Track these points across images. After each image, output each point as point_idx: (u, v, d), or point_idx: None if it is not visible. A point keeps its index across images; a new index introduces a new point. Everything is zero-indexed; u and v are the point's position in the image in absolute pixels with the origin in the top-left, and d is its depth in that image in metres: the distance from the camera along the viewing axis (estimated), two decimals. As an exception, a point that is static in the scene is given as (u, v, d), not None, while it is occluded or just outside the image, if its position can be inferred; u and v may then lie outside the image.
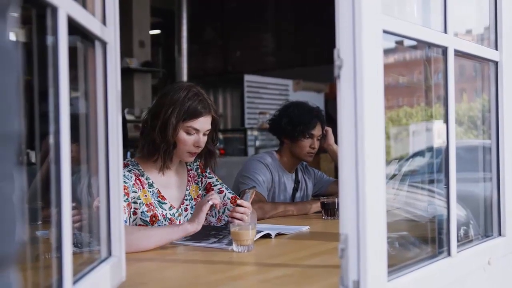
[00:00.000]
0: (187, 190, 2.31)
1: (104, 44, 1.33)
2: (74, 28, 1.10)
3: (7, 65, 0.58)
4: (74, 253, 1.07)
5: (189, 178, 2.34)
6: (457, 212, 1.54)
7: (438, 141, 1.90)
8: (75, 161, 1.16)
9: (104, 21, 1.33)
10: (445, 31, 1.50)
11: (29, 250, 1.25)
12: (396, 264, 1.32)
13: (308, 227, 2.33)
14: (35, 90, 1.06)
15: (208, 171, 2.39)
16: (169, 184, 2.26)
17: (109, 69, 1.35)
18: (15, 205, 0.58)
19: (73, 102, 1.10)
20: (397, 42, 1.48)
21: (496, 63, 1.79)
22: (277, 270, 1.60)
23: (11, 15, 0.60)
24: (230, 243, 1.89)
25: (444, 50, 1.50)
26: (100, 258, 1.33)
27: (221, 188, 2.35)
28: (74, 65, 1.21)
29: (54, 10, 0.98)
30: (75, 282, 1.09)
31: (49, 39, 1.00)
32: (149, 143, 2.16)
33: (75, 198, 1.12)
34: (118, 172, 1.38)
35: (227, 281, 1.49)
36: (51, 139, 0.99)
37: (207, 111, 2.17)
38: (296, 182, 3.10)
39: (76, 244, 1.29)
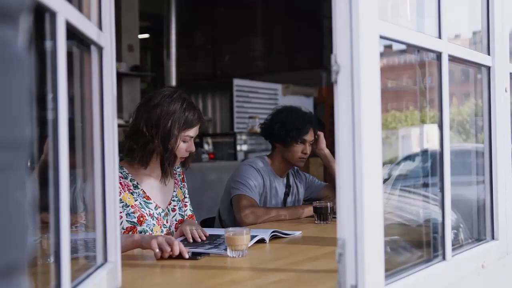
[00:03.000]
0: (174, 191, 2.37)
1: (100, 49, 1.32)
2: (71, 32, 1.09)
3: (19, 73, 0.58)
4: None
5: (176, 181, 2.40)
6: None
7: (428, 145, 1.91)
8: (70, 167, 1.16)
9: (100, 26, 1.33)
10: (439, 37, 1.51)
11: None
12: (392, 268, 1.33)
13: (300, 232, 2.33)
14: (32, 95, 1.05)
15: (185, 181, 2.48)
16: (155, 186, 2.30)
17: (105, 73, 1.34)
18: (26, 212, 0.57)
19: (68, 106, 1.09)
20: (386, 46, 1.48)
21: (488, 68, 1.80)
22: (273, 275, 1.60)
23: (22, 22, 0.60)
24: (222, 249, 1.88)
25: (439, 55, 1.51)
26: (96, 264, 1.32)
27: (187, 202, 2.45)
28: (70, 70, 1.21)
29: (53, 15, 0.98)
30: (72, 288, 1.08)
31: (47, 44, 1.00)
32: (148, 153, 2.20)
33: (70, 203, 1.11)
34: (114, 177, 1.37)
35: (224, 287, 1.49)
36: (50, 145, 0.98)
37: (201, 119, 2.28)
38: (288, 186, 3.10)
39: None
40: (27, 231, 0.58)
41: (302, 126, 2.93)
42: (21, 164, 0.57)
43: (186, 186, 2.47)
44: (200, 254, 1.83)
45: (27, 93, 0.60)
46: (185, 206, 2.43)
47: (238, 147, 7.28)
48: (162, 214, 2.27)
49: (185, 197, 2.44)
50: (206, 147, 7.35)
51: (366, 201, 1.15)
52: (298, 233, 2.31)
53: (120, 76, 7.22)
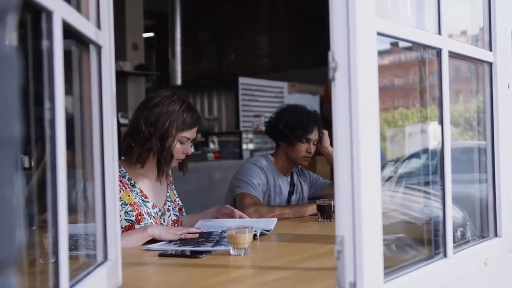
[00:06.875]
0: (167, 192, 2.41)
1: (98, 48, 1.33)
2: (68, 32, 1.10)
3: (7, 71, 0.58)
4: (70, 257, 1.06)
5: (169, 183, 2.45)
6: (453, 214, 1.54)
7: (433, 143, 1.90)
8: (70, 167, 1.16)
9: (98, 25, 1.33)
10: (439, 33, 1.50)
11: (23, 255, 1.24)
12: (392, 265, 1.32)
13: (275, 219, 2.36)
14: (29, 94, 1.05)
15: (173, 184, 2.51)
16: (151, 186, 2.33)
17: (104, 73, 1.35)
18: (15, 209, 0.58)
19: (67, 106, 1.09)
20: (392, 44, 1.48)
21: (490, 64, 1.79)
22: (274, 272, 1.60)
23: (10, 20, 0.61)
24: (228, 245, 1.88)
25: (439, 52, 1.50)
26: (96, 262, 1.33)
27: (179, 203, 2.48)
28: (68, 69, 1.21)
29: (49, 14, 0.98)
30: (71, 286, 1.08)
31: (44, 43, 1.00)
32: (146, 151, 2.22)
33: (70, 203, 1.12)
34: (113, 176, 1.37)
35: (224, 285, 1.49)
36: (47, 144, 0.99)
37: (199, 121, 2.31)
38: (292, 185, 3.10)
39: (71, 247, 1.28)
40: (15, 228, 0.58)
41: (307, 125, 2.92)
42: (9, 161, 0.58)
43: (174, 188, 2.49)
44: (202, 252, 1.84)
45: (16, 92, 0.60)
46: (168, 211, 2.41)
47: (244, 146, 7.29)
48: (159, 213, 2.31)
49: (176, 197, 2.47)
50: (211, 146, 7.35)
51: (364, 198, 1.15)
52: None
53: (125, 75, 7.23)
